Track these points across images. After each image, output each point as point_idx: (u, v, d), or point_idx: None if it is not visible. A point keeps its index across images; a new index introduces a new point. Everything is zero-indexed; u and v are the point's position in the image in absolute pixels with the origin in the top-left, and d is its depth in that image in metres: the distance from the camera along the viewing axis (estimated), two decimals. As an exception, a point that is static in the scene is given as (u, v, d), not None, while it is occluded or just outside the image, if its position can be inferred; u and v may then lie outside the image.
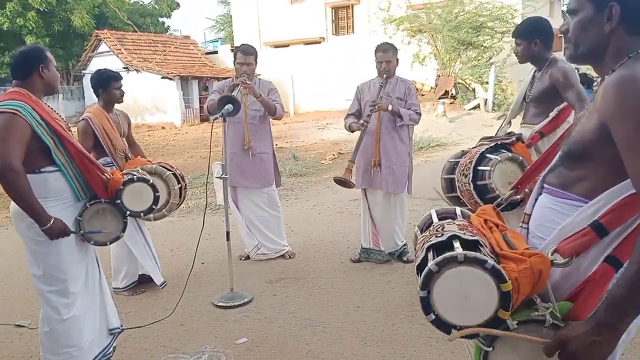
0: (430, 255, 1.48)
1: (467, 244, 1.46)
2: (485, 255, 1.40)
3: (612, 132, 1.33)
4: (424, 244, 1.55)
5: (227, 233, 4.05)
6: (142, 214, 3.25)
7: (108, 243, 2.98)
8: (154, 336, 3.49)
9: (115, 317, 3.10)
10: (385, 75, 4.46)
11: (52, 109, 2.76)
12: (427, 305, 1.41)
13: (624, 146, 1.31)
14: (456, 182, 3.28)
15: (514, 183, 1.96)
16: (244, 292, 4.05)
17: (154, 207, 3.30)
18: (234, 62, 4.70)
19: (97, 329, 2.91)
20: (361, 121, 4.45)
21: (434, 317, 1.41)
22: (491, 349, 1.42)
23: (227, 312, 3.82)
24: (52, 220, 2.57)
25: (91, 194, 2.83)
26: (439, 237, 1.51)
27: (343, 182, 4.50)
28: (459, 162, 3.39)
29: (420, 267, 1.47)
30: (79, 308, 2.76)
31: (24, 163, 2.51)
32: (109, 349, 3.01)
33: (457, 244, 1.45)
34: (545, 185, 1.59)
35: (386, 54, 4.45)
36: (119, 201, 2.92)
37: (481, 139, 3.55)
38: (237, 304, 3.90)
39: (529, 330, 1.38)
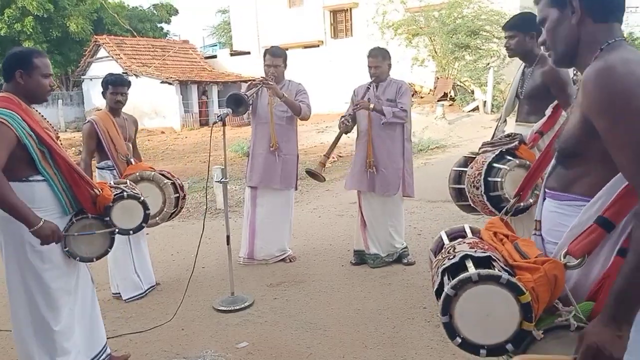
0: (445, 279, 1.48)
1: (480, 262, 1.46)
2: (499, 270, 1.40)
3: (595, 126, 1.35)
4: (438, 268, 1.55)
5: (228, 237, 4.04)
6: (131, 232, 3.10)
7: (94, 259, 2.84)
8: (154, 341, 3.49)
9: (102, 333, 3.03)
10: (374, 79, 4.51)
11: (43, 116, 2.68)
12: (451, 330, 1.41)
13: (606, 139, 1.33)
14: (467, 192, 3.27)
15: (516, 191, 1.96)
16: (244, 296, 4.05)
17: (143, 225, 3.15)
18: (264, 64, 4.72)
19: (86, 338, 2.85)
20: (342, 118, 4.52)
21: (460, 340, 1.41)
22: None
23: (227, 316, 3.82)
24: (42, 221, 2.45)
25: (78, 209, 2.73)
26: (452, 259, 1.51)
27: (314, 175, 4.53)
28: (464, 171, 3.38)
29: (439, 292, 1.48)
30: (66, 320, 2.70)
31: (11, 172, 2.43)
32: (102, 355, 2.97)
33: (469, 264, 1.45)
34: (547, 190, 1.61)
35: (375, 59, 4.49)
36: (107, 218, 2.80)
37: (483, 144, 3.54)
38: (237, 308, 3.89)
39: (556, 336, 1.37)
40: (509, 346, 1.39)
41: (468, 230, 1.78)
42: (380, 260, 4.63)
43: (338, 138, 4.58)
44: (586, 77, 1.38)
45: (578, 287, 1.43)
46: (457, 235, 1.77)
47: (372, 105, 4.41)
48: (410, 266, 4.59)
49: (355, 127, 4.73)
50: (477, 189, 3.13)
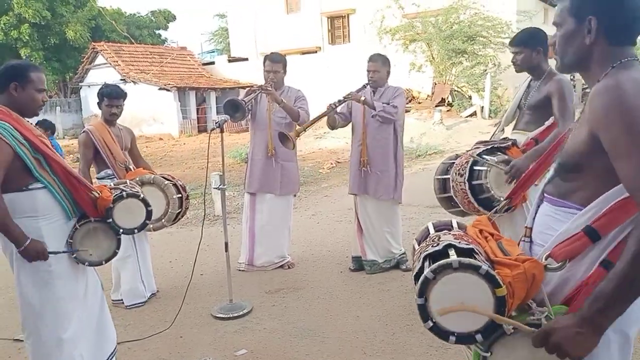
0: (426, 264, 1.50)
1: (462, 252, 1.49)
2: (479, 261, 1.43)
3: (601, 140, 1.37)
4: (420, 254, 1.58)
5: (226, 244, 4.04)
6: (136, 231, 3.10)
7: (103, 262, 2.83)
8: (153, 348, 3.48)
9: (112, 338, 3.02)
10: (372, 84, 4.53)
11: (32, 125, 2.66)
12: (424, 313, 1.43)
13: (613, 152, 1.35)
14: (451, 181, 3.32)
15: (509, 193, 2.00)
16: (243, 303, 4.04)
17: (147, 222, 3.14)
18: (264, 70, 4.75)
19: (93, 346, 2.84)
20: (331, 103, 4.48)
21: (432, 324, 1.43)
22: (489, 354, 1.44)
23: (226, 323, 3.81)
24: (29, 241, 2.47)
25: (80, 213, 2.73)
26: (435, 246, 1.54)
27: (285, 138, 4.44)
28: (452, 163, 3.43)
29: (418, 276, 1.50)
30: (75, 327, 2.70)
31: (10, 182, 2.43)
32: None
33: (452, 252, 1.49)
34: (545, 195, 1.63)
35: (375, 64, 4.53)
36: (110, 220, 2.79)
37: (477, 143, 3.58)
38: (236, 315, 3.89)
39: (525, 334, 1.40)
40: (479, 336, 1.42)
41: (455, 224, 1.82)
42: (377, 266, 4.63)
43: (319, 117, 4.53)
44: (595, 93, 1.40)
45: (555, 292, 1.47)
46: (443, 227, 1.81)
47: (363, 98, 4.43)
48: (409, 272, 4.58)
49: (350, 128, 4.73)
50: (461, 176, 3.17)
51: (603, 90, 1.38)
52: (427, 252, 1.53)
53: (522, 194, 1.98)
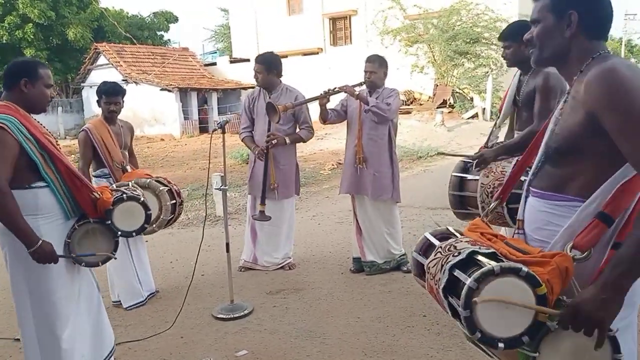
0: (457, 274, 1.50)
1: (489, 257, 1.50)
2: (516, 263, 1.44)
3: (604, 122, 1.43)
4: (442, 265, 1.56)
5: (227, 244, 4.04)
6: (134, 234, 3.10)
7: (100, 264, 2.84)
8: (153, 349, 3.48)
9: (110, 338, 3.02)
10: (369, 84, 4.54)
11: (40, 124, 2.69)
12: (471, 324, 1.42)
13: (617, 130, 1.41)
14: (479, 202, 3.18)
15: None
16: (244, 304, 4.04)
17: (146, 225, 3.14)
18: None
19: (90, 347, 2.84)
20: (325, 90, 4.53)
21: (480, 335, 1.42)
22: (537, 354, 1.44)
23: (227, 324, 3.81)
24: (40, 242, 2.47)
25: (80, 213, 2.73)
26: (457, 256, 1.53)
27: (273, 108, 4.45)
28: (465, 177, 3.34)
29: (447, 290, 1.50)
30: (71, 329, 2.69)
31: (14, 179, 2.44)
32: None
33: (482, 258, 1.49)
34: (533, 190, 1.67)
35: (372, 65, 4.53)
36: (109, 222, 2.80)
37: (480, 149, 3.52)
38: (237, 315, 3.88)
39: (565, 327, 1.42)
40: (525, 338, 1.42)
41: (453, 231, 1.81)
42: (376, 267, 4.63)
43: (311, 100, 4.59)
44: (591, 78, 1.47)
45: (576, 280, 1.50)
46: (443, 236, 1.79)
47: (357, 92, 4.45)
48: (410, 274, 4.57)
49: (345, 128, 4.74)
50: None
51: (601, 75, 1.45)
52: (452, 263, 1.53)
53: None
